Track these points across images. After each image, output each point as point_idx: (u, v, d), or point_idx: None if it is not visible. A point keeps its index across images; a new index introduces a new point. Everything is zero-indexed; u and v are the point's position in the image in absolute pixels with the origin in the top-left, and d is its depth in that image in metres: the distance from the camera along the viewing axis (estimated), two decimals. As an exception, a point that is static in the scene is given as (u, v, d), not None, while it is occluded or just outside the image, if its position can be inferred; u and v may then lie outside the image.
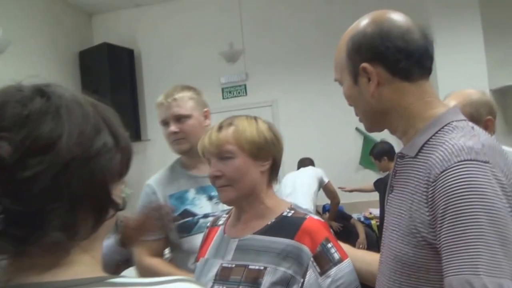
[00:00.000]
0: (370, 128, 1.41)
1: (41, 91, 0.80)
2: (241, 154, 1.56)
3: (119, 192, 0.89)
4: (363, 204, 5.56)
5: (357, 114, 1.41)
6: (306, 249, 1.46)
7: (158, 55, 6.45)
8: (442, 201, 1.09)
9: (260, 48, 6.11)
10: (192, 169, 2.25)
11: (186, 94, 2.28)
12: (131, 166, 0.90)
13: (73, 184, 0.75)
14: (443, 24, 5.15)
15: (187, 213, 2.14)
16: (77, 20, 6.37)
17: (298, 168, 5.41)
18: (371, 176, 5.60)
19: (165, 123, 2.25)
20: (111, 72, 5.90)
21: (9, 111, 0.76)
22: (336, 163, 5.80)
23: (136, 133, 6.30)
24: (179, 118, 2.22)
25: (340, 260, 1.48)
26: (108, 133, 0.84)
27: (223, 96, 6.19)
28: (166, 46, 6.42)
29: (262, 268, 1.47)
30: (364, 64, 1.27)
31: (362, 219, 5.41)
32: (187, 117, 2.22)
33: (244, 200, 1.58)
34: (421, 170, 1.19)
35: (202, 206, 2.17)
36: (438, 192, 1.10)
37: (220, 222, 1.75)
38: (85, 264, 0.81)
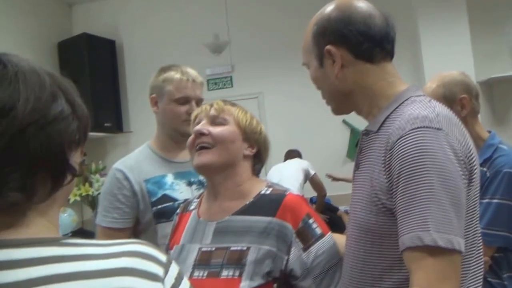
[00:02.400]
0: (337, 110, 1.49)
1: None
2: (234, 126, 1.59)
3: (77, 159, 0.92)
4: (349, 196, 5.47)
5: (323, 97, 1.49)
6: (289, 226, 1.47)
7: (141, 46, 6.35)
8: (397, 166, 1.16)
9: (246, 39, 6.05)
10: (169, 154, 2.18)
11: (200, 79, 2.25)
12: (88, 135, 0.94)
13: (31, 147, 0.80)
14: (429, 16, 5.20)
15: (166, 198, 2.06)
16: (56, 10, 6.23)
17: (285, 160, 5.38)
18: (358, 169, 5.56)
19: (185, 101, 2.14)
20: (91, 63, 5.80)
21: None
22: (323, 155, 5.77)
23: (118, 125, 6.22)
24: (200, 102, 2.16)
25: (322, 235, 1.50)
26: (65, 102, 0.87)
27: (208, 87, 6.11)
28: (149, 37, 6.32)
29: (245, 248, 1.46)
30: (329, 47, 1.36)
31: (349, 211, 5.32)
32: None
33: (219, 172, 1.56)
34: (382, 142, 1.26)
35: (182, 191, 2.09)
36: (394, 158, 1.18)
37: (192, 207, 1.71)
38: (41, 226, 0.85)
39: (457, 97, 2.27)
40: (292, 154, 5.42)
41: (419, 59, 5.35)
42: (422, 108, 1.24)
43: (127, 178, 2.07)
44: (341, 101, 1.44)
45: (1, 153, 0.77)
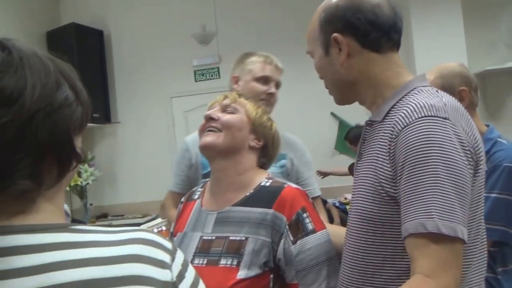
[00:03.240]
0: (340, 100, 1.48)
1: (1, 45, 0.83)
2: (243, 116, 1.66)
3: (79, 144, 0.92)
4: (338, 190, 5.54)
5: (326, 87, 1.48)
6: (283, 217, 1.50)
7: (129, 36, 6.32)
8: (402, 154, 1.16)
9: (234, 31, 6.01)
10: None
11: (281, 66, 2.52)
12: (89, 119, 0.94)
13: (39, 135, 0.80)
14: (422, 7, 5.14)
15: None
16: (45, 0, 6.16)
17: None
18: (346, 161, 5.60)
19: (266, 81, 2.34)
20: (80, 53, 5.73)
21: None
22: (311, 148, 5.59)
23: (106, 116, 6.18)
24: (278, 86, 2.43)
25: (313, 231, 1.51)
26: (69, 88, 0.88)
27: (195, 78, 6.09)
28: (137, 27, 6.29)
29: (243, 238, 1.51)
30: (336, 35, 1.35)
31: (337, 204, 5.37)
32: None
33: (222, 155, 1.61)
34: (386, 131, 1.26)
35: None
36: (399, 146, 1.18)
37: (196, 197, 1.77)
38: (49, 212, 0.86)
39: (456, 89, 2.23)
40: (280, 146, 5.39)
41: (410, 52, 5.31)
42: (429, 97, 1.23)
43: (188, 150, 2.38)
44: (345, 90, 1.44)
45: (10, 141, 0.77)
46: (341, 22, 1.35)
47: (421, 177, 1.12)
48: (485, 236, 1.30)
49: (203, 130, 1.66)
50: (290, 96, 5.73)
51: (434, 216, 1.08)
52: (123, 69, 6.31)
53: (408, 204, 1.13)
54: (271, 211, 1.51)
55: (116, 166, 6.23)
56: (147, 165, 5.89)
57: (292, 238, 1.48)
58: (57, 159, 0.85)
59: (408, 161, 1.15)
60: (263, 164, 1.74)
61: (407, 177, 1.14)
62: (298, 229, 1.49)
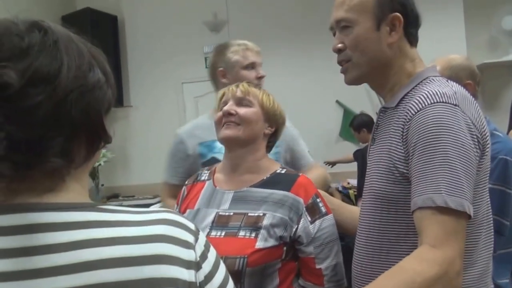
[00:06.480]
0: (357, 78, 1.49)
1: (37, 25, 0.84)
2: (258, 108, 1.74)
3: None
4: (341, 174, 5.68)
5: (347, 60, 1.47)
6: (301, 200, 1.64)
7: (142, 22, 6.43)
8: (415, 135, 1.24)
9: (244, 19, 6.11)
10: None
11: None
12: (114, 130, 0.96)
13: (73, 114, 0.81)
14: (423, 0, 5.13)
15: (214, 161, 2.27)
16: (60, -16, 6.25)
17: (279, 138, 5.44)
18: (350, 148, 5.74)
19: (253, 66, 2.42)
20: (94, 37, 5.74)
21: (8, 43, 0.79)
22: (316, 135, 5.80)
23: (119, 99, 6.29)
24: (261, 66, 2.47)
25: (326, 213, 1.67)
26: (100, 70, 0.90)
27: (206, 65, 6.18)
28: (150, 13, 6.40)
29: (261, 214, 1.62)
30: (398, 14, 1.40)
31: (340, 188, 5.51)
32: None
33: (242, 146, 1.72)
34: (400, 116, 1.34)
35: None
36: (412, 129, 1.26)
37: (203, 178, 1.86)
38: (77, 191, 0.88)
39: (463, 82, 2.25)
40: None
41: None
42: (441, 86, 1.31)
43: (182, 142, 2.42)
44: (374, 70, 1.45)
45: (45, 119, 0.78)
46: (400, 5, 1.40)
47: (432, 156, 1.19)
48: (491, 214, 1.38)
49: (220, 124, 1.74)
50: (296, 84, 5.85)
51: (443, 191, 1.14)
52: (136, 55, 6.42)
53: (418, 180, 1.20)
54: (289, 193, 1.64)
55: (127, 148, 6.36)
56: (157, 148, 5.84)
57: (310, 219, 1.62)
58: (87, 138, 0.86)
59: (420, 142, 1.22)
60: (271, 148, 1.87)
61: (419, 155, 1.21)
62: (315, 211, 1.64)
